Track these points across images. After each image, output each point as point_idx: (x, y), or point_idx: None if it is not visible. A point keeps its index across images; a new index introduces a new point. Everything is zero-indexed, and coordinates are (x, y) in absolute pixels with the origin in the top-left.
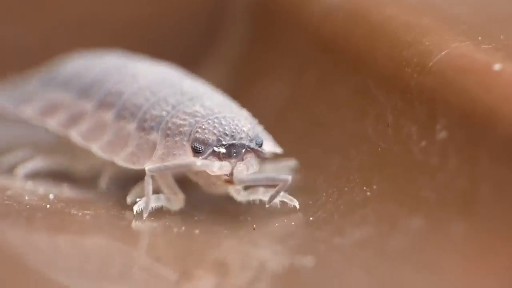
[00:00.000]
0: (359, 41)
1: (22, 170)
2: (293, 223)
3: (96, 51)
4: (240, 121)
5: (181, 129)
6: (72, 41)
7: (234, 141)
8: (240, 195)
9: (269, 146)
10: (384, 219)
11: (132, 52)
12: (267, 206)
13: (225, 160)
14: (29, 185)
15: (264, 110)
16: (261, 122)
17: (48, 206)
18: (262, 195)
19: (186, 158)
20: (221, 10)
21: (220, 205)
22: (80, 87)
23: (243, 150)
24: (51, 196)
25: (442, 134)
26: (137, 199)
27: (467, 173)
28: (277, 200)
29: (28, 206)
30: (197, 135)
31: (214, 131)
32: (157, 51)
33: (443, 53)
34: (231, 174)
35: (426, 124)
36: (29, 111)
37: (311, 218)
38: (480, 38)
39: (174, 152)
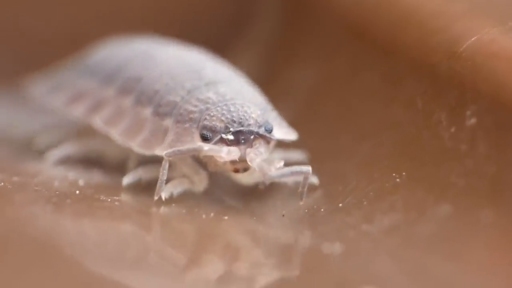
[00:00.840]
0: (389, 28)
1: (52, 155)
2: (322, 210)
3: (127, 37)
4: (249, 108)
5: (191, 115)
6: (103, 28)
7: (242, 128)
8: (253, 177)
9: (280, 133)
10: (413, 206)
11: (162, 37)
12: (301, 203)
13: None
14: (59, 170)
15: (295, 97)
16: (291, 108)
17: (77, 192)
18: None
19: (193, 145)
20: None
21: (250, 191)
22: (104, 74)
23: (252, 137)
24: (80, 182)
25: (471, 120)
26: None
27: (496, 159)
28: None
29: (57, 192)
30: (206, 122)
31: (222, 118)
32: (188, 36)
33: (473, 39)
34: (241, 161)
35: (455, 110)
36: (56, 100)
37: (340, 205)
38: (510, 24)
39: (183, 139)
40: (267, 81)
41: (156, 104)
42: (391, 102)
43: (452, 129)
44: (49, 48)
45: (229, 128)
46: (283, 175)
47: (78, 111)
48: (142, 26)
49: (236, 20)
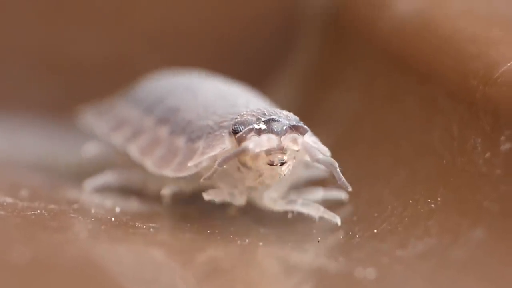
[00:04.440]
0: (427, 54)
1: (90, 184)
2: (357, 236)
3: (174, 71)
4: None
5: (222, 124)
6: (152, 59)
7: (273, 117)
8: (277, 205)
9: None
10: (447, 231)
11: (203, 67)
12: (349, 189)
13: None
14: (97, 198)
15: (334, 123)
16: (330, 135)
17: (113, 219)
18: (300, 207)
19: (224, 145)
20: (293, 24)
21: (285, 218)
22: (146, 105)
23: (284, 127)
24: (117, 209)
25: (506, 146)
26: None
27: None
28: (316, 216)
29: (93, 219)
30: (236, 120)
31: (253, 113)
32: (229, 66)
33: (509, 64)
34: (278, 150)
35: (490, 135)
36: (100, 128)
37: (375, 231)
38: None
39: (214, 143)
40: (307, 108)
41: (189, 132)
42: (428, 127)
43: (487, 155)
44: (99, 77)
45: (261, 119)
46: (324, 162)
47: (117, 139)
48: (188, 60)
49: (277, 48)
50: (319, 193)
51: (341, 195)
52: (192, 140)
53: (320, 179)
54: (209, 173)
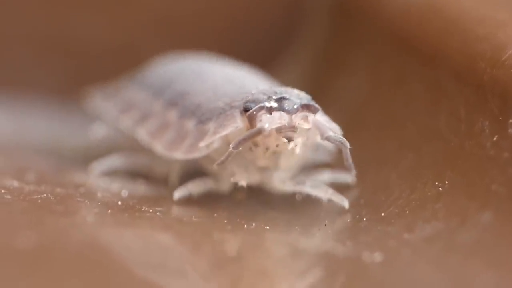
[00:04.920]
0: (434, 37)
1: (96, 167)
2: (364, 219)
3: (181, 54)
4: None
5: (232, 104)
6: (158, 43)
7: (285, 95)
8: (286, 186)
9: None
10: (455, 214)
11: (211, 51)
12: (354, 173)
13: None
14: (103, 182)
15: (341, 107)
16: (337, 118)
17: (119, 203)
18: (309, 188)
19: (236, 124)
20: (299, 9)
21: (291, 202)
22: (154, 88)
23: (295, 106)
24: (124, 192)
25: None
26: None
27: None
28: (325, 198)
29: (99, 203)
30: (248, 98)
31: (264, 92)
32: (237, 51)
33: None
34: (289, 127)
35: (498, 118)
36: (108, 111)
37: (382, 214)
38: None
39: (225, 123)
40: (314, 92)
41: (199, 115)
42: (435, 111)
43: (495, 138)
44: (105, 61)
45: (272, 97)
46: (335, 140)
47: (125, 122)
48: (195, 43)
49: (283, 32)
50: (326, 175)
51: (348, 178)
52: (202, 122)
53: (325, 163)
54: (223, 157)
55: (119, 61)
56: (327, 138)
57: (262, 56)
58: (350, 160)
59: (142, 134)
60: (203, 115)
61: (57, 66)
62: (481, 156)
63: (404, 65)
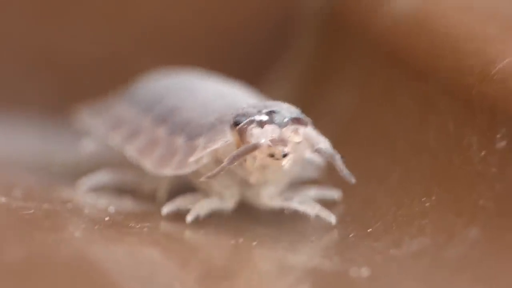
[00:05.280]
0: (423, 52)
1: (85, 182)
2: (351, 235)
3: (171, 70)
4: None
5: (222, 119)
6: (148, 59)
7: (275, 109)
8: (274, 202)
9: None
10: (442, 230)
11: (200, 66)
12: (353, 181)
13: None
14: (91, 198)
15: (330, 121)
16: (326, 132)
17: (107, 218)
18: (296, 204)
19: (226, 138)
20: (289, 22)
21: (278, 217)
22: (144, 105)
23: (285, 120)
24: (111, 208)
25: (502, 144)
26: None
27: None
28: (312, 214)
29: (86, 219)
30: (238, 112)
31: (255, 106)
32: (225, 65)
33: (505, 61)
34: (280, 142)
35: (486, 133)
36: (97, 128)
37: (369, 230)
38: None
39: (215, 138)
40: (304, 107)
41: (189, 131)
42: (424, 125)
43: (483, 153)
44: (94, 77)
45: (262, 111)
46: (325, 153)
47: (114, 139)
48: (184, 59)
49: (273, 47)
50: (313, 192)
51: (334, 194)
52: (191, 138)
53: (313, 180)
54: (215, 171)
55: (109, 77)
56: (318, 151)
57: (252, 71)
58: (345, 171)
59: (131, 151)
60: (192, 131)
61: (45, 82)
62: (469, 172)
63: (394, 79)
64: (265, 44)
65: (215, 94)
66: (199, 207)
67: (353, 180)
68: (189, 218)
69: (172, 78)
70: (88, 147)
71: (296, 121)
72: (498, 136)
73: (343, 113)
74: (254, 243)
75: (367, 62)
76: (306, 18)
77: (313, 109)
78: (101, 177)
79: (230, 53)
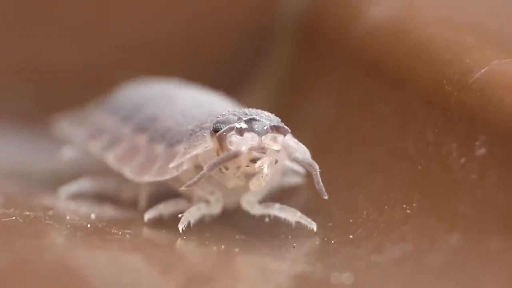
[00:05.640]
0: (401, 60)
1: (65, 191)
2: (333, 241)
3: (150, 79)
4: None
5: (202, 126)
6: (127, 68)
7: (255, 116)
8: (254, 209)
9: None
10: (423, 236)
11: (178, 75)
12: (325, 197)
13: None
14: (72, 205)
15: (309, 130)
16: (305, 141)
17: (88, 225)
18: (277, 211)
19: (206, 144)
20: (266, 32)
21: (260, 224)
22: (123, 113)
23: (265, 127)
24: (92, 216)
25: (481, 151)
26: (179, 215)
27: (506, 189)
28: (293, 221)
29: (68, 226)
30: (218, 119)
31: (235, 113)
32: (204, 77)
33: (483, 70)
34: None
35: (465, 141)
36: (76, 136)
37: (351, 236)
38: None
39: (195, 143)
40: (282, 115)
41: (169, 138)
42: (403, 134)
43: (462, 160)
44: (73, 85)
45: (242, 118)
46: (303, 162)
47: (94, 147)
48: (162, 68)
49: (250, 56)
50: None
51: (297, 179)
52: (171, 145)
53: (294, 187)
54: (195, 179)
55: (87, 86)
56: (295, 159)
57: (230, 81)
58: (321, 184)
59: (111, 158)
60: (172, 138)
61: (24, 90)
62: (449, 179)
63: (372, 88)
64: (243, 53)
65: (194, 102)
66: (189, 214)
67: (325, 196)
68: (181, 226)
69: (151, 87)
70: (67, 154)
71: (275, 129)
72: (477, 143)
73: (322, 122)
74: (236, 250)
75: (345, 71)
76: (283, 28)
77: (292, 118)
78: (82, 184)
79: (208, 63)
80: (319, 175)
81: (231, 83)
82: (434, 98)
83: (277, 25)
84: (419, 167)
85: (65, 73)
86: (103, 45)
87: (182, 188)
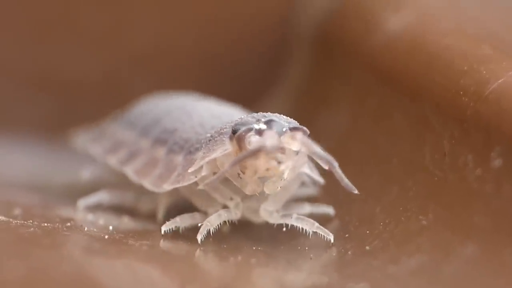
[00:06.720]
0: (417, 71)
1: (84, 202)
2: (349, 252)
3: (168, 93)
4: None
5: (222, 131)
6: (145, 83)
7: (273, 118)
8: (272, 218)
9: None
10: (439, 247)
11: (196, 87)
12: (356, 192)
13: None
14: (90, 217)
15: (325, 141)
16: None
17: (106, 236)
18: (295, 221)
19: (225, 147)
20: (283, 43)
21: (276, 235)
22: (142, 126)
23: (284, 128)
24: (110, 227)
25: (497, 162)
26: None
27: None
28: (310, 231)
29: (86, 237)
30: (237, 122)
31: (253, 115)
32: (219, 87)
33: (499, 81)
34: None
35: (481, 152)
36: (96, 149)
37: (367, 247)
38: None
39: (214, 148)
40: None
41: (188, 147)
42: (419, 144)
43: (478, 171)
44: (92, 97)
45: (261, 120)
46: (322, 157)
47: (113, 161)
48: (180, 81)
49: (267, 68)
50: (306, 208)
51: (329, 210)
52: (191, 152)
53: (311, 197)
54: (215, 176)
55: (107, 97)
56: (317, 156)
57: (246, 93)
58: (345, 180)
59: (130, 172)
60: (192, 147)
61: (44, 102)
62: (465, 190)
63: (388, 99)
64: (259, 66)
65: (212, 114)
66: (209, 223)
67: (355, 190)
68: (200, 235)
69: (167, 100)
70: (86, 175)
71: (294, 130)
72: (493, 154)
73: (338, 133)
74: (254, 261)
75: (361, 82)
76: (299, 39)
77: (308, 129)
78: (101, 197)
79: (224, 76)
80: (340, 171)
81: (248, 96)
82: (450, 109)
83: (294, 37)
84: (435, 178)
85: (85, 85)
86: (122, 58)
87: (200, 187)
